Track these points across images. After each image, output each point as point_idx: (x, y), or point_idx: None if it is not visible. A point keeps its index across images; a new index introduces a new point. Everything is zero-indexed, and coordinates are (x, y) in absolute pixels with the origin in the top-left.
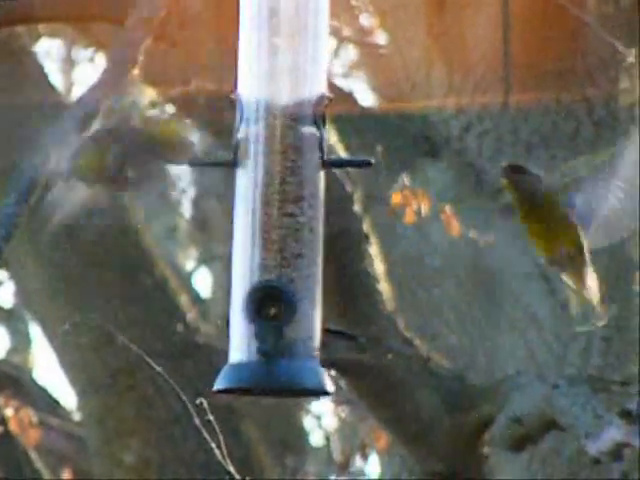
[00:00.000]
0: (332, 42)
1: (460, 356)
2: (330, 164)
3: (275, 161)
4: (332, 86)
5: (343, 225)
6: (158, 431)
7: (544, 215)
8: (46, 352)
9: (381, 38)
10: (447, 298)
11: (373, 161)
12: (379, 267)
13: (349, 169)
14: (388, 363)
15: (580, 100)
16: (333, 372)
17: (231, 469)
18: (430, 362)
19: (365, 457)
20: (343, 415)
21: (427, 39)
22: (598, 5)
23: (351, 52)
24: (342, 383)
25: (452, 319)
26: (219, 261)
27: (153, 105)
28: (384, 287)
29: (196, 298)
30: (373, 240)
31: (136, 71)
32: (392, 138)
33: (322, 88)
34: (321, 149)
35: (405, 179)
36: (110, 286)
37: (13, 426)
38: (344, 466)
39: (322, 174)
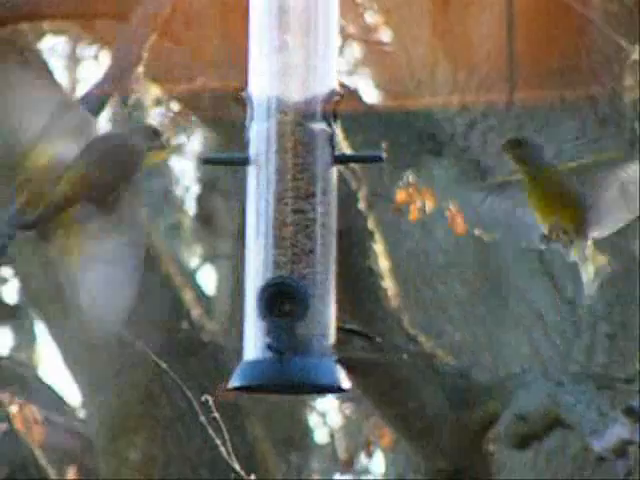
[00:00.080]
0: (337, 39)
1: (465, 353)
2: (341, 160)
3: (286, 158)
4: (337, 83)
5: (348, 222)
6: (163, 428)
7: (546, 184)
8: (51, 349)
9: (386, 36)
10: (452, 295)
11: (384, 156)
12: (384, 264)
13: (354, 166)
14: (393, 360)
15: (584, 97)
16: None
17: (236, 466)
18: (435, 359)
19: (370, 454)
20: (348, 412)
21: (432, 37)
22: (602, 3)
23: (356, 50)
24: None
25: (457, 316)
26: (224, 258)
27: (158, 102)
28: (389, 284)
29: (201, 295)
30: (378, 237)
31: (141, 68)
32: (397, 135)
33: (332, 84)
34: (332, 145)
35: (410, 176)
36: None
37: (18, 424)
38: (349, 463)
39: (334, 170)
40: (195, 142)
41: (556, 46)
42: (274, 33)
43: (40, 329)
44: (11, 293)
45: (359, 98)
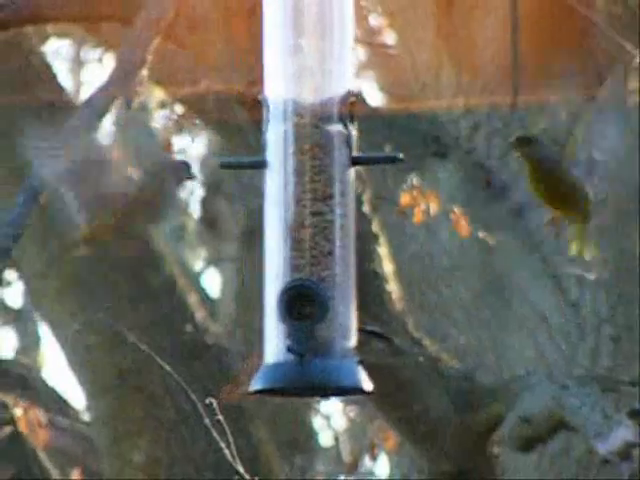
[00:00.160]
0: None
1: (469, 356)
2: (359, 161)
3: (303, 160)
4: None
5: None
6: (167, 431)
7: (550, 181)
8: (55, 352)
9: (390, 38)
10: (456, 298)
11: (402, 157)
12: (388, 267)
13: (358, 169)
14: (397, 363)
15: (589, 100)
16: None
17: (240, 469)
18: (439, 362)
19: (374, 457)
20: (352, 415)
21: (436, 40)
22: (606, 5)
23: (360, 52)
24: None
25: (461, 319)
26: (228, 261)
27: (162, 105)
28: (393, 287)
29: (205, 298)
30: (382, 240)
31: (145, 71)
32: (401, 138)
33: (348, 86)
34: (349, 147)
35: (414, 179)
36: (119, 286)
37: (22, 426)
38: (353, 466)
39: (351, 172)
40: (199, 145)
41: (560, 49)
42: (289, 36)
43: (44, 332)
44: (15, 296)
45: (363, 101)
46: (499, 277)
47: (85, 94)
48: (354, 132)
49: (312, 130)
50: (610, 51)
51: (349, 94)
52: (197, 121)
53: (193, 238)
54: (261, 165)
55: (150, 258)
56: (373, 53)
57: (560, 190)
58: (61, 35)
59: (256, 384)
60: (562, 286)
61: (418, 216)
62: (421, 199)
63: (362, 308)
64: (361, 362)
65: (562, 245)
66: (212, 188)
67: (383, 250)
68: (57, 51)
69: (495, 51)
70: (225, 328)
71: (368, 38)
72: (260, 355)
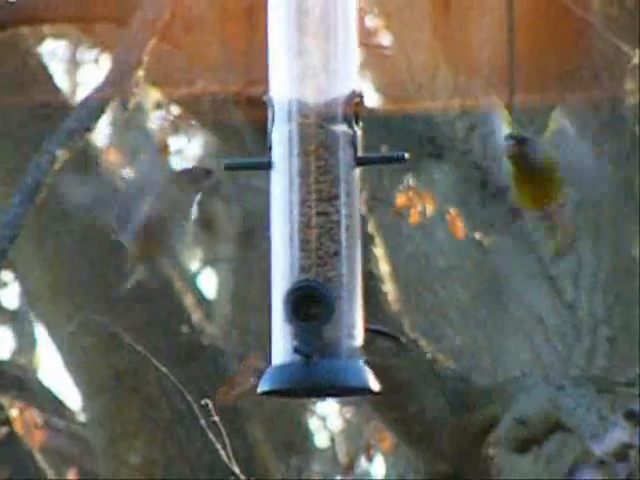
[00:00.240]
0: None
1: (465, 357)
2: (364, 161)
3: (309, 161)
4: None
5: None
6: (163, 432)
7: (539, 180)
8: (51, 353)
9: (386, 39)
10: (452, 299)
11: (407, 157)
12: (384, 268)
13: None
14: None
15: (585, 101)
16: None
17: (236, 470)
18: (435, 363)
19: (370, 458)
20: (348, 416)
21: (432, 41)
22: (603, 6)
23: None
24: None
25: (457, 320)
26: (224, 262)
27: (158, 106)
28: (389, 288)
29: (201, 299)
30: (378, 241)
31: (141, 72)
32: (397, 139)
33: (353, 86)
34: (354, 147)
35: (410, 180)
36: (115, 287)
37: (18, 427)
38: (349, 467)
39: (356, 172)
40: (195, 146)
41: (556, 50)
42: (293, 36)
43: (40, 333)
44: (11, 297)
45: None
46: (495, 278)
47: (81, 95)
48: (359, 132)
49: (317, 130)
50: (606, 52)
51: (354, 94)
52: (193, 122)
53: (189, 238)
54: (266, 166)
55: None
56: (369, 54)
57: (542, 191)
58: (57, 36)
59: (263, 385)
60: (558, 287)
61: (414, 217)
62: (417, 200)
63: None
64: (367, 362)
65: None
66: (208, 189)
67: (379, 251)
68: (53, 52)
69: (491, 52)
70: (221, 329)
71: (364, 39)
72: (256, 356)
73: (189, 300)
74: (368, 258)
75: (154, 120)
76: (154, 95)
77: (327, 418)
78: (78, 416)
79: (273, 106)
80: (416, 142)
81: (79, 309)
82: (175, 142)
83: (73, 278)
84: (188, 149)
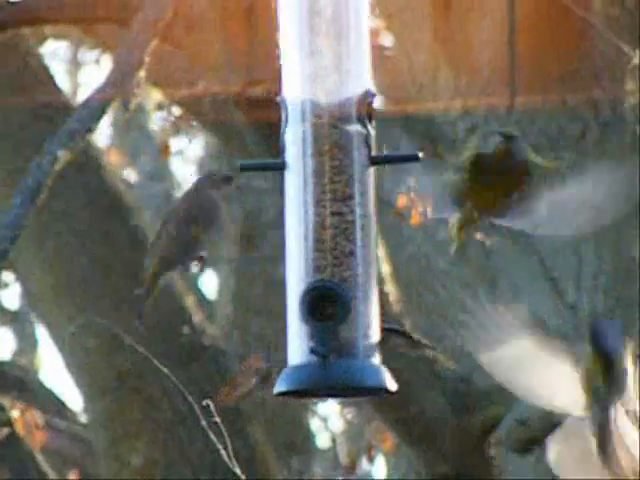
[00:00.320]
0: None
1: (466, 358)
2: (378, 161)
3: (323, 161)
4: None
5: None
6: (164, 433)
7: (512, 181)
8: (52, 354)
9: (387, 40)
10: (453, 300)
11: (421, 155)
12: (385, 269)
13: None
14: (395, 365)
15: (586, 102)
16: None
17: (237, 470)
18: (436, 364)
19: (371, 459)
20: (349, 417)
21: (433, 42)
22: (604, 7)
23: None
24: None
25: (458, 321)
26: (225, 263)
27: (159, 107)
28: (390, 289)
29: (202, 300)
30: (379, 242)
31: (142, 73)
32: (398, 140)
33: (366, 85)
34: (368, 146)
35: (411, 181)
36: (116, 288)
37: (19, 428)
38: (350, 468)
39: (371, 171)
40: (197, 146)
41: (557, 50)
42: (305, 37)
43: (41, 334)
44: (12, 298)
45: None
46: (496, 279)
47: (82, 96)
48: (373, 131)
49: (331, 130)
50: (607, 53)
51: (367, 94)
52: (194, 123)
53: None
54: (280, 167)
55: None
56: (370, 55)
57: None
58: (58, 37)
59: (280, 386)
60: (559, 288)
61: (415, 218)
62: (418, 201)
63: None
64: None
65: (559, 247)
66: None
67: (380, 252)
68: (54, 53)
69: (492, 53)
70: (222, 330)
71: None
72: (257, 357)
73: (190, 301)
74: None
75: (155, 121)
76: (155, 96)
77: (328, 419)
78: (79, 417)
79: (286, 107)
80: (417, 143)
81: (80, 310)
82: (176, 143)
83: (74, 279)
84: (189, 150)
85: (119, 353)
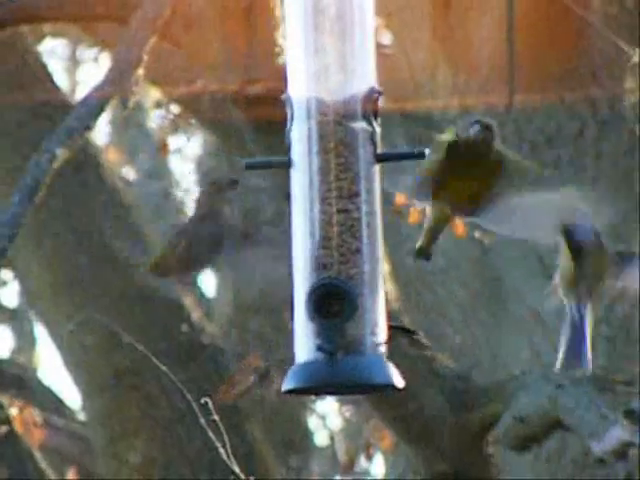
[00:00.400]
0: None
1: (465, 356)
2: (383, 158)
3: (328, 158)
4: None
5: None
6: (163, 431)
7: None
8: (51, 352)
9: (386, 39)
10: (452, 298)
11: (427, 152)
12: (384, 267)
13: None
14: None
15: (584, 100)
16: None
17: (236, 468)
18: (435, 362)
19: (370, 457)
20: (348, 415)
21: (432, 40)
22: (602, 5)
23: None
24: None
25: (457, 319)
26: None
27: (158, 105)
28: (389, 287)
29: (201, 298)
30: None
31: (141, 71)
32: (396, 138)
33: (371, 83)
34: (373, 144)
35: (410, 179)
36: (115, 286)
37: (18, 426)
38: (349, 466)
39: (376, 169)
40: (195, 144)
41: (556, 49)
42: (310, 35)
43: (40, 331)
44: (11, 296)
45: None
46: (495, 277)
47: (81, 94)
48: (378, 129)
49: (336, 128)
50: (606, 51)
51: (372, 91)
52: (193, 121)
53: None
54: (286, 164)
55: (146, 258)
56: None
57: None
58: (57, 35)
59: (288, 384)
60: None
61: (414, 216)
62: None
63: None
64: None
65: (558, 245)
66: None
67: None
68: (53, 50)
69: (491, 51)
70: (221, 328)
71: None
72: (255, 355)
73: (189, 299)
74: None
75: (154, 119)
76: (154, 94)
77: (327, 417)
78: (78, 415)
79: (291, 105)
80: (415, 141)
81: (79, 308)
82: (174, 141)
83: (73, 277)
84: (187, 148)
85: (117, 351)
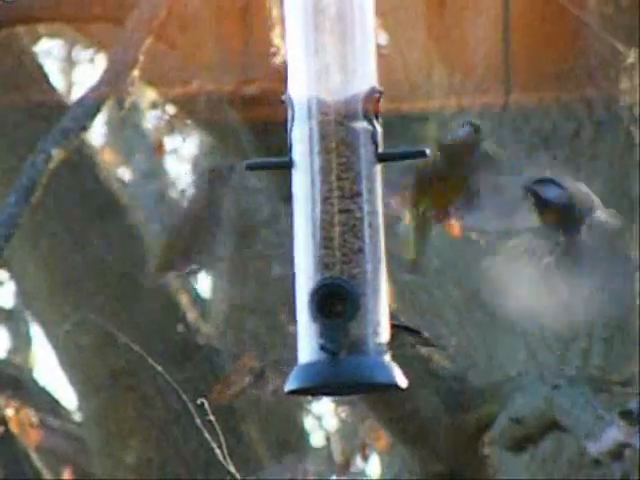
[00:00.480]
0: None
1: (460, 356)
2: (385, 158)
3: (330, 158)
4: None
5: None
6: (159, 431)
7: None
8: (47, 352)
9: (381, 39)
10: (447, 299)
11: (428, 152)
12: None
13: None
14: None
15: (580, 100)
16: None
17: (232, 469)
18: (431, 362)
19: (365, 457)
20: (343, 415)
21: (427, 40)
22: (598, 5)
23: None
24: None
25: (452, 320)
26: (220, 261)
27: (154, 105)
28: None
29: (196, 298)
30: None
31: (137, 72)
32: (392, 139)
33: (372, 82)
34: (375, 143)
35: (405, 180)
36: (111, 286)
37: (13, 426)
38: (345, 466)
39: (378, 168)
40: (191, 145)
41: (552, 49)
42: (311, 34)
43: (35, 332)
44: (6, 296)
45: None
46: (490, 277)
47: (77, 94)
48: (379, 128)
49: (337, 128)
50: (601, 51)
51: (373, 91)
52: (189, 121)
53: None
54: (287, 165)
55: (142, 258)
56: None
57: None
58: (53, 35)
59: (291, 384)
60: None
61: (407, 217)
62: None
63: None
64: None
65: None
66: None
67: None
68: (49, 51)
69: (487, 51)
70: (216, 328)
71: None
72: (251, 356)
73: (184, 299)
74: None
75: (150, 119)
76: (150, 94)
77: (322, 417)
78: (73, 415)
79: (292, 105)
80: (411, 142)
81: (75, 308)
82: (170, 141)
83: (68, 277)
84: (183, 148)
85: (113, 351)
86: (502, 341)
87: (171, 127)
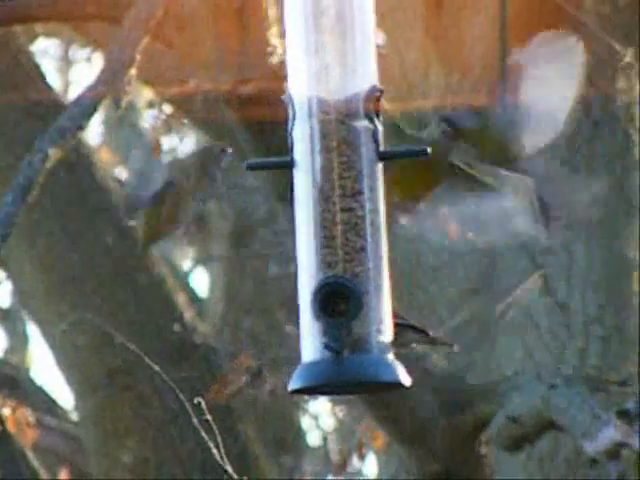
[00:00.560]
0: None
1: (457, 356)
2: (386, 156)
3: (331, 157)
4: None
5: None
6: (155, 431)
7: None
8: (43, 352)
9: (379, 39)
10: (444, 298)
11: (430, 150)
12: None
13: None
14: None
15: (578, 100)
16: None
17: (228, 469)
18: (427, 361)
19: (362, 457)
20: (340, 415)
21: (425, 40)
22: (595, 5)
23: None
24: None
25: (449, 319)
26: (217, 261)
27: (151, 105)
28: None
29: (193, 298)
30: None
31: (133, 71)
32: (389, 139)
33: (373, 81)
34: (376, 142)
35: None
36: (107, 286)
37: (10, 426)
38: (341, 466)
39: (379, 167)
40: (188, 144)
41: None
42: (311, 34)
43: (32, 331)
44: (3, 296)
45: None
46: (488, 276)
47: (73, 93)
48: (380, 127)
49: (338, 127)
50: (598, 51)
51: (374, 89)
52: (185, 121)
53: (181, 237)
54: (288, 164)
55: (138, 257)
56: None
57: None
58: (50, 34)
59: (294, 383)
60: (550, 286)
61: None
62: None
63: None
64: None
65: (551, 245)
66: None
67: None
68: (45, 50)
69: (484, 51)
70: (213, 328)
71: None
72: (248, 355)
73: (181, 299)
74: None
75: (146, 119)
76: (146, 94)
77: (319, 417)
78: (70, 415)
79: (293, 104)
80: (408, 142)
81: (71, 308)
82: (167, 141)
83: (65, 277)
84: (180, 148)
85: (110, 350)
86: (499, 340)
87: (168, 126)
